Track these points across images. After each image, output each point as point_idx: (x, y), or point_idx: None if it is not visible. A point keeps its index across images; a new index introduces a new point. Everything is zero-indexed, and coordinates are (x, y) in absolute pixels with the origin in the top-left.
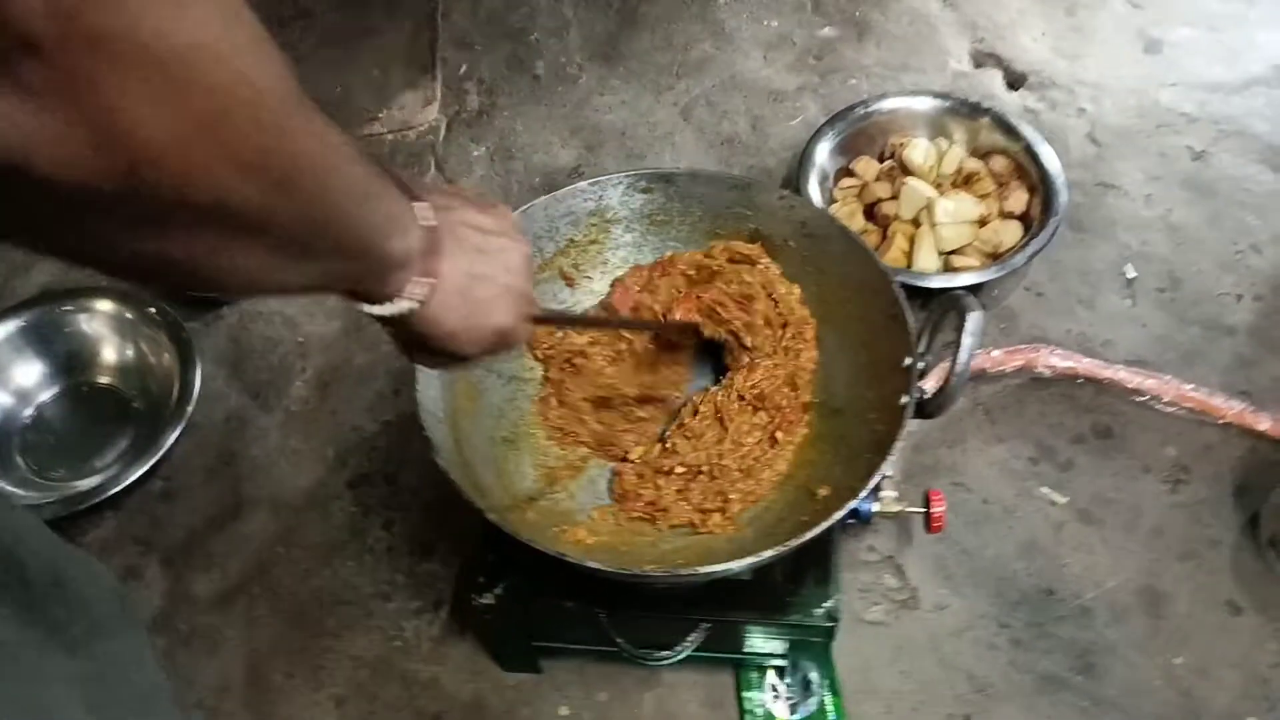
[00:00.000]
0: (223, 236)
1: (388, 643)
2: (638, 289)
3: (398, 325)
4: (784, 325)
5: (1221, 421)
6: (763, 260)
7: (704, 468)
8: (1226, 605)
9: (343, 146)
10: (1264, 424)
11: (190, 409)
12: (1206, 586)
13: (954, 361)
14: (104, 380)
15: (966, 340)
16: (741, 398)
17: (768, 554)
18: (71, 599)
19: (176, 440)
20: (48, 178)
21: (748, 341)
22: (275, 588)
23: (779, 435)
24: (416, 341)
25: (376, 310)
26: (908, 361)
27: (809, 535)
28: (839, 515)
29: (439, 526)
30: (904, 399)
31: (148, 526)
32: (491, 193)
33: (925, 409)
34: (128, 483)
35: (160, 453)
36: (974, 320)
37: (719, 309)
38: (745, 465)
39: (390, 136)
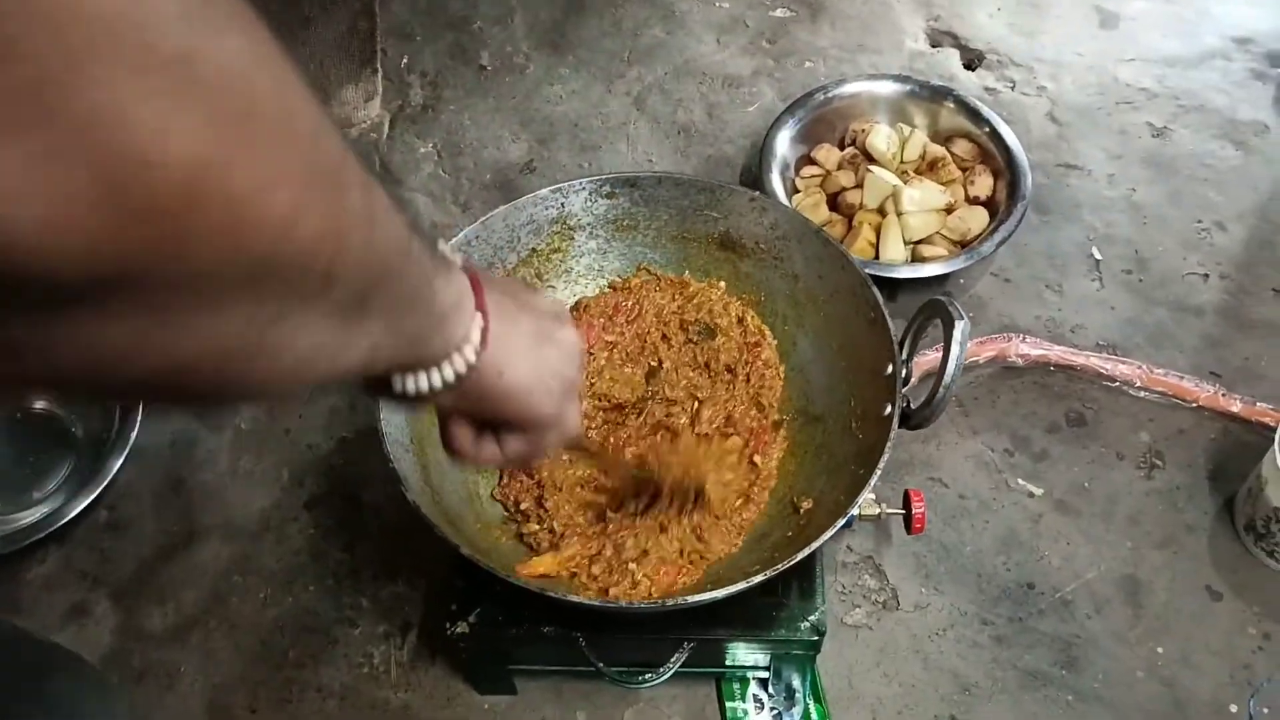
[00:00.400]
0: (287, 303)
1: (355, 671)
2: (602, 325)
3: (460, 392)
4: (748, 346)
5: (1194, 405)
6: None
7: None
8: (1206, 591)
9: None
10: (1235, 406)
11: (134, 433)
12: (1185, 573)
13: (941, 373)
14: (39, 405)
15: (954, 350)
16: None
17: (757, 579)
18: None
19: (121, 467)
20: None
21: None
22: (233, 618)
23: (757, 459)
24: (488, 410)
25: (435, 380)
26: (890, 369)
27: (799, 557)
28: (829, 535)
29: (403, 546)
30: (889, 409)
31: (95, 560)
32: (441, 193)
33: (911, 420)
34: (72, 515)
35: (105, 481)
36: (960, 330)
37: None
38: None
39: None
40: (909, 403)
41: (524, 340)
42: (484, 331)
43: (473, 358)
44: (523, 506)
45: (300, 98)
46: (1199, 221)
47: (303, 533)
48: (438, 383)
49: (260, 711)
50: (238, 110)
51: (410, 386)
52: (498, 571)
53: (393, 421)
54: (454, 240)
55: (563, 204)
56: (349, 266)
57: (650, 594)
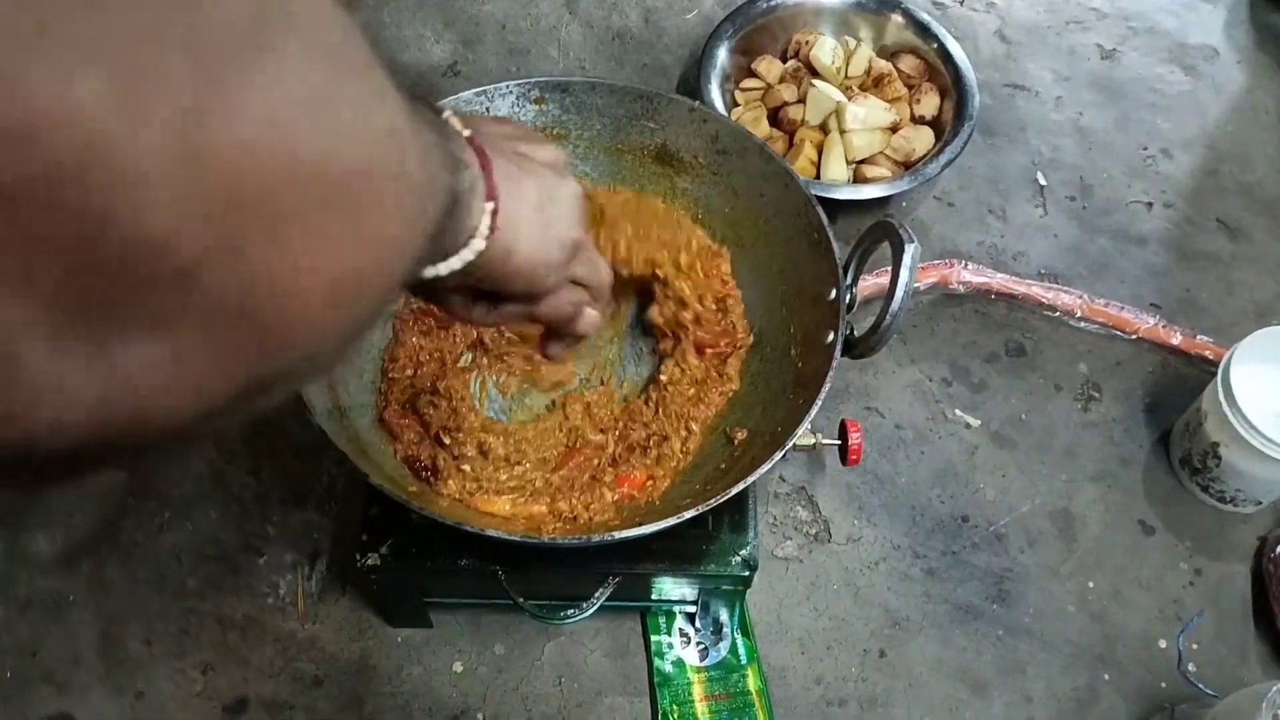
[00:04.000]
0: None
1: (259, 601)
2: None
3: (463, 274)
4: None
5: (1133, 336)
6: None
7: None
8: (1139, 525)
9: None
10: (1176, 338)
11: None
12: (1119, 507)
13: (889, 299)
14: None
15: (903, 276)
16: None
17: (687, 514)
18: None
19: None
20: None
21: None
22: (127, 545)
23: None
24: (488, 287)
25: (440, 269)
26: (833, 294)
27: (732, 492)
28: (765, 468)
29: (314, 469)
30: (831, 337)
31: None
32: None
33: (855, 349)
34: None
35: None
36: (910, 254)
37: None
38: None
39: None
40: (852, 330)
41: (530, 213)
42: (494, 216)
43: (482, 245)
44: (438, 463)
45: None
46: (1145, 148)
47: (204, 454)
48: (444, 271)
49: (156, 644)
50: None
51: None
52: (410, 504)
53: None
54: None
55: (487, 109)
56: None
57: (615, 503)
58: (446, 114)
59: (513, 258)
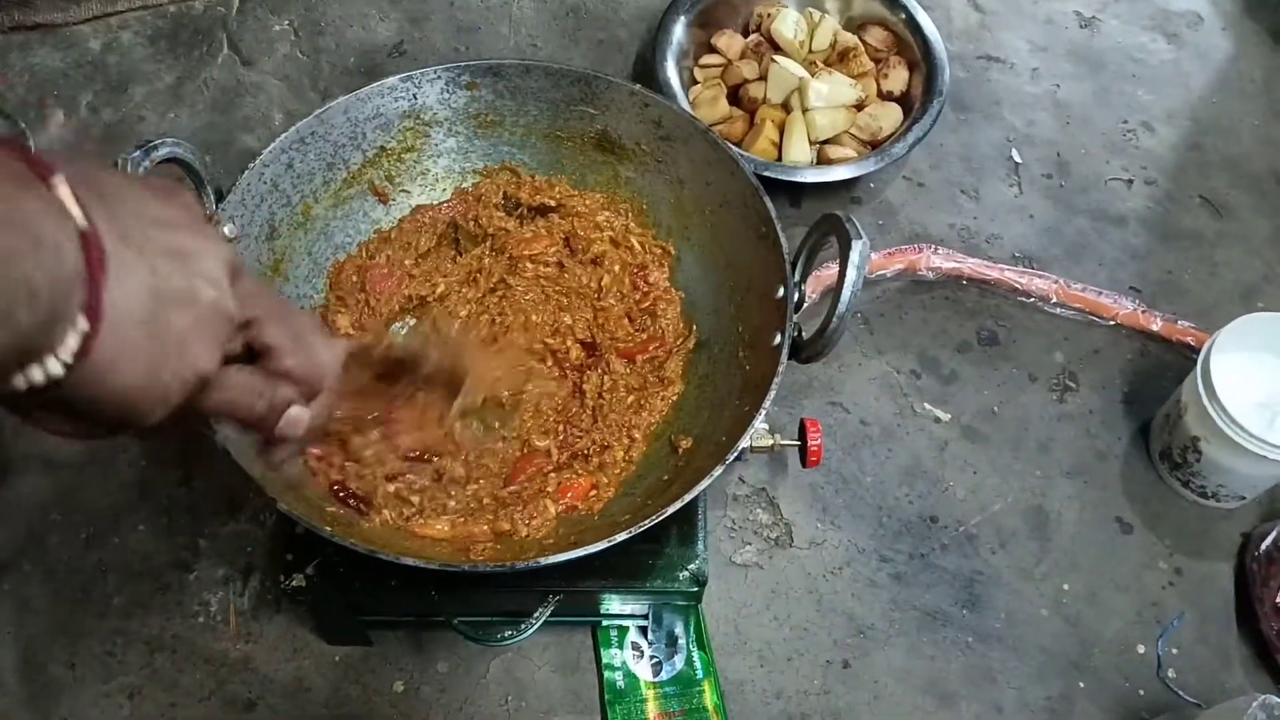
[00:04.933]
0: None
1: (189, 620)
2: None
3: (41, 398)
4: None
5: (1111, 322)
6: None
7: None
8: (1116, 523)
9: None
10: (1156, 324)
11: None
12: (1095, 504)
13: (835, 300)
14: None
15: (850, 275)
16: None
17: (619, 537)
18: None
19: None
20: None
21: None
22: (50, 562)
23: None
24: (67, 414)
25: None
26: (781, 292)
27: (670, 510)
28: (707, 483)
29: (248, 479)
30: (778, 339)
31: None
32: (298, 77)
33: (802, 352)
34: None
35: None
36: (858, 251)
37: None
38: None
39: (172, 8)
40: (801, 331)
41: (141, 337)
42: (93, 334)
43: (59, 370)
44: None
45: None
46: (1125, 122)
47: (133, 465)
48: (21, 385)
49: (80, 666)
50: None
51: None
52: (321, 530)
53: None
54: (283, 137)
55: (415, 95)
56: None
57: (559, 515)
58: (61, 190)
59: (106, 384)
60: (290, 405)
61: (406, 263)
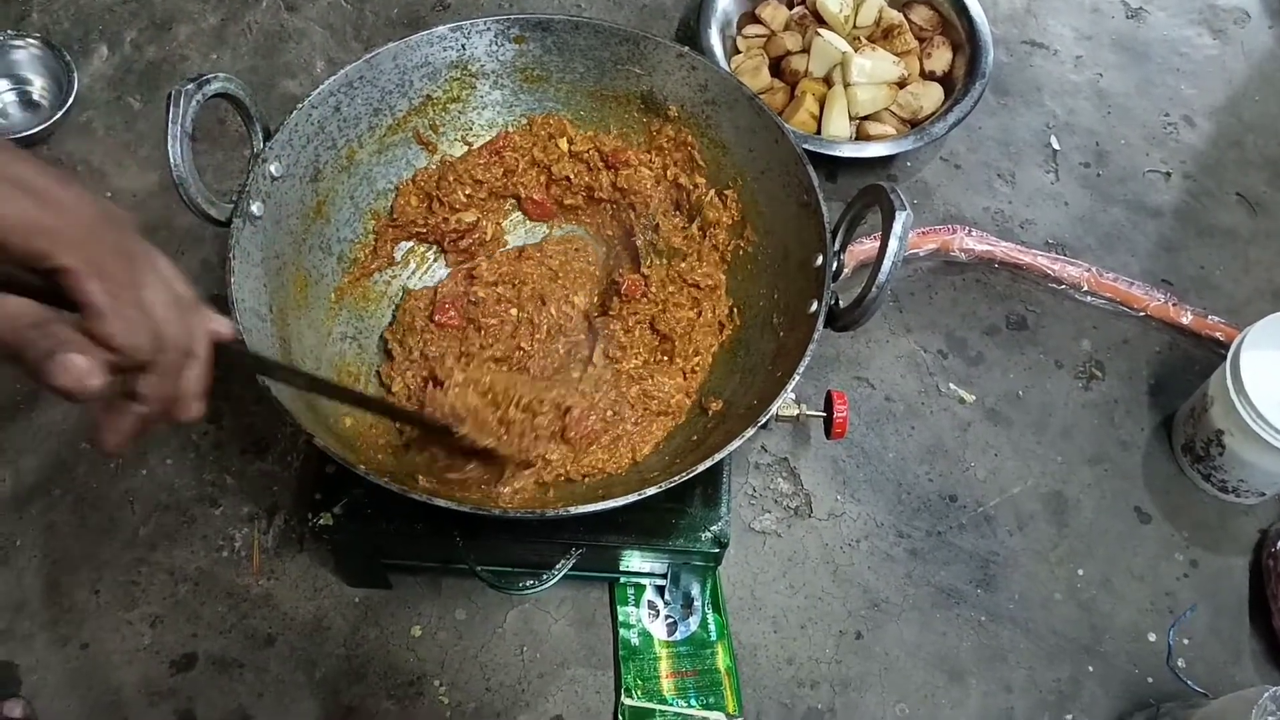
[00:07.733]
0: None
1: (213, 554)
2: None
3: None
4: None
5: (1141, 314)
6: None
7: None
8: (1135, 513)
9: None
10: (1186, 318)
11: None
12: (1115, 492)
13: (876, 270)
14: None
15: (892, 245)
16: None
17: (649, 491)
18: None
19: None
20: None
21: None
22: (79, 490)
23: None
24: None
25: None
26: (819, 260)
27: (699, 469)
28: (736, 444)
29: (276, 419)
30: (815, 306)
31: None
32: (342, 26)
33: (838, 321)
34: None
35: None
36: (901, 222)
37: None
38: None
39: None
40: (837, 300)
41: None
42: None
43: None
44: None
45: None
46: (1166, 115)
47: None
48: None
49: (104, 594)
50: None
51: None
52: (355, 468)
53: (245, 286)
54: (332, 80)
55: (464, 46)
56: None
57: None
58: None
59: None
60: (67, 350)
61: (467, 192)
